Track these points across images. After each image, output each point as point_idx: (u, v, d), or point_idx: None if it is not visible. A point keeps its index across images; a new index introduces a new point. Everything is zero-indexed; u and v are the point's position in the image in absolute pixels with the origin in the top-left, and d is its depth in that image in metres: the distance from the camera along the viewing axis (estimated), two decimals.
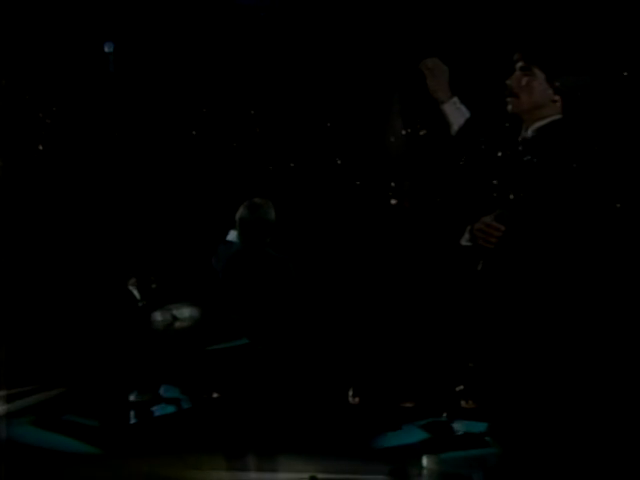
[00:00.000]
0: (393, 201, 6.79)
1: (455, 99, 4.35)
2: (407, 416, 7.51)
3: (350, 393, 7.86)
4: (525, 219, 4.07)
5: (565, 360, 4.06)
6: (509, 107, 4.22)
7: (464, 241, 4.24)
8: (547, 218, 4.05)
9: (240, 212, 5.85)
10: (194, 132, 7.14)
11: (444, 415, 7.49)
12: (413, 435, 7.51)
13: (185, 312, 8.46)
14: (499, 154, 4.19)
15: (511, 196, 4.12)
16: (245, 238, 5.82)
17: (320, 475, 5.82)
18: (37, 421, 7.50)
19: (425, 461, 6.67)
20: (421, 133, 6.75)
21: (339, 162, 6.41)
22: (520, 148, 4.17)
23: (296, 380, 6.92)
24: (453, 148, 4.30)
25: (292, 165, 6.55)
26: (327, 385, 7.94)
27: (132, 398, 8.02)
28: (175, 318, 8.44)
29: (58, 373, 7.90)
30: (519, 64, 4.23)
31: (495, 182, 4.18)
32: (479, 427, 7.12)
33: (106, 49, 8.49)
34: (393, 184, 6.56)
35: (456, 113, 4.33)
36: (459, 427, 7.52)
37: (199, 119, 7.36)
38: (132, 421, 7.84)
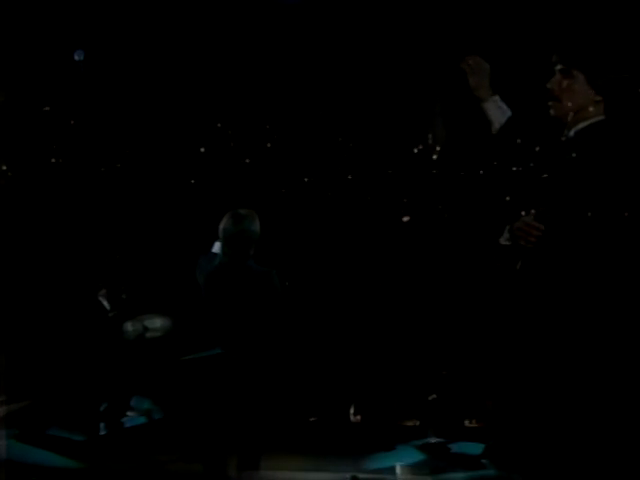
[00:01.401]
0: (405, 218, 6.77)
1: (496, 97, 4.34)
2: (408, 435, 7.44)
3: (351, 411, 7.78)
4: (566, 219, 4.05)
5: (610, 363, 4.02)
6: (551, 111, 4.21)
7: (503, 240, 4.21)
8: (588, 219, 4.03)
9: (223, 223, 5.62)
10: (202, 149, 7.07)
11: (431, 435, 7.42)
12: (408, 456, 7.44)
13: (157, 322, 8.35)
14: (541, 154, 4.18)
15: (553, 196, 4.09)
16: (228, 250, 5.61)
17: (362, 475, 5.76)
18: (20, 436, 7.37)
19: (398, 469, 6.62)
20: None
21: (350, 177, 6.38)
22: (563, 149, 4.15)
23: (284, 394, 6.83)
24: (494, 147, 4.28)
25: (306, 180, 6.51)
26: (326, 402, 7.88)
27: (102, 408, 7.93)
28: (146, 328, 8.32)
29: (28, 384, 7.75)
30: (558, 67, 4.22)
31: (536, 182, 4.16)
32: (476, 449, 7.04)
33: (76, 57, 8.31)
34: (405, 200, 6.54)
35: (497, 111, 4.32)
36: (456, 448, 7.46)
37: (209, 133, 7.28)
38: (102, 432, 7.73)
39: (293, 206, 7.73)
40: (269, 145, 6.77)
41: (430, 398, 7.83)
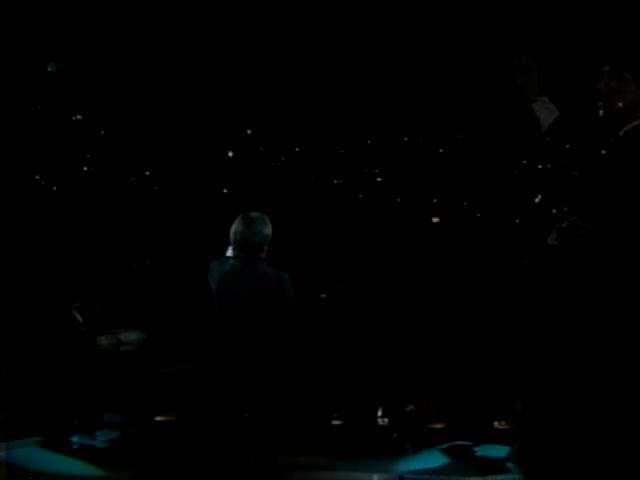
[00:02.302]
0: (435, 219, 6.75)
1: (545, 97, 4.34)
2: (436, 438, 7.43)
3: (379, 414, 7.77)
4: (614, 219, 4.04)
5: None
6: (601, 112, 4.20)
7: (551, 240, 4.19)
8: (636, 218, 4.02)
9: (235, 226, 5.60)
10: (231, 153, 7.05)
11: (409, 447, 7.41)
12: (434, 459, 7.43)
13: (131, 336, 8.33)
14: (590, 155, 4.17)
15: (602, 196, 4.08)
16: (240, 253, 5.58)
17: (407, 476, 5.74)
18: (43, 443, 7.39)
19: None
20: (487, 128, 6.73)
21: (379, 180, 6.37)
22: (612, 150, 4.15)
23: (307, 397, 6.77)
24: (543, 147, 4.28)
25: (335, 182, 6.50)
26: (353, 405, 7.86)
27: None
28: (121, 342, 8.29)
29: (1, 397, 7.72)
30: (607, 68, 4.22)
31: (584, 182, 4.16)
32: (501, 452, 7.03)
33: (49, 69, 8.30)
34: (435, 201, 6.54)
35: (545, 112, 4.32)
36: (481, 451, 7.45)
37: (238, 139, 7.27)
38: (75, 446, 7.72)
39: (323, 208, 7.72)
40: (297, 150, 6.77)
41: (408, 409, 7.85)
